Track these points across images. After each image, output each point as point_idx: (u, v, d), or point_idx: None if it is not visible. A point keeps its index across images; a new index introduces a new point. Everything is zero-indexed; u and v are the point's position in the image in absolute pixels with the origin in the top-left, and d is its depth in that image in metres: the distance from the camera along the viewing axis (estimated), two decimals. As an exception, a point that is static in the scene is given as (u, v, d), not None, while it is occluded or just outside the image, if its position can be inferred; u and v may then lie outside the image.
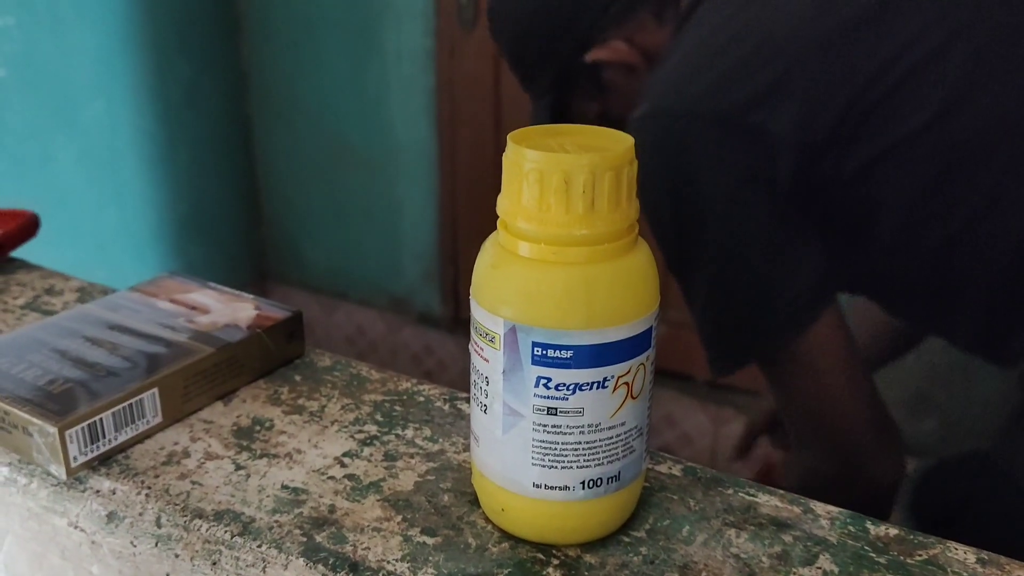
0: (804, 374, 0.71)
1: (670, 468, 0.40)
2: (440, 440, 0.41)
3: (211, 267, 2.04)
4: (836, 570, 0.34)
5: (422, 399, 0.45)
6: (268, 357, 0.46)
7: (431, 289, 1.95)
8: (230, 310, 0.47)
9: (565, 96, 0.79)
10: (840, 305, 0.71)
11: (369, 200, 1.97)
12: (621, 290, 0.32)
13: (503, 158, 0.32)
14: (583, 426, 0.33)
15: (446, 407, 0.44)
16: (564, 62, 0.77)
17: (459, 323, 1.94)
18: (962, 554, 0.35)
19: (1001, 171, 0.64)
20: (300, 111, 1.98)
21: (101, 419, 0.39)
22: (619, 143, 0.33)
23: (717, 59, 0.68)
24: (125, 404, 0.40)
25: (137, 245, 1.87)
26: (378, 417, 0.43)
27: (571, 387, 0.32)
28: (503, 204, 0.32)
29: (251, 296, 0.49)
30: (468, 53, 1.79)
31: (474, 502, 0.37)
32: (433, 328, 1.97)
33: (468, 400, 0.44)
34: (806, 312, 0.69)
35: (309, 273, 2.11)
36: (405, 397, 0.45)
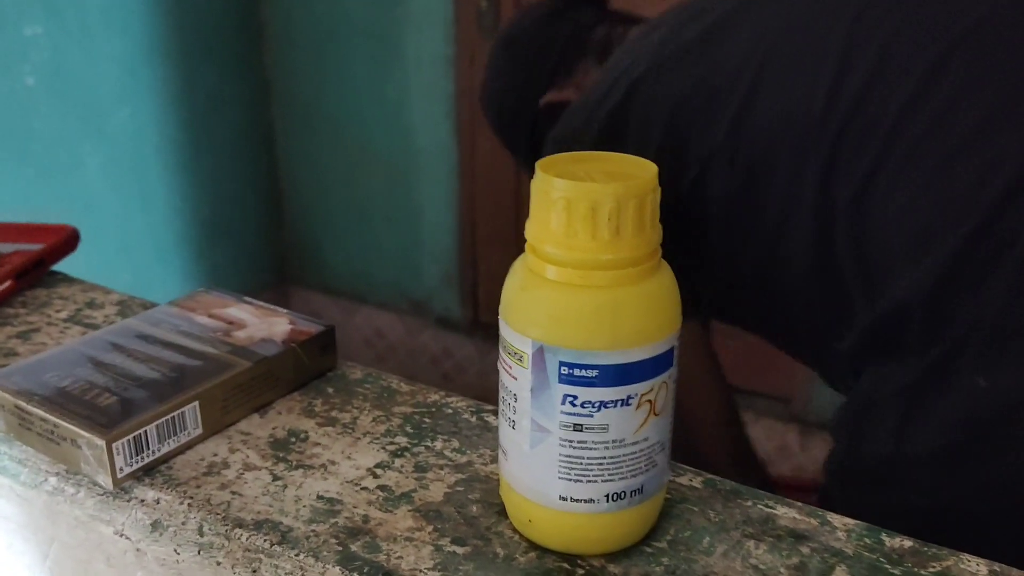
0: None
1: (691, 480, 0.41)
2: (468, 452, 0.43)
3: (234, 270, 2.07)
4: (852, 581, 0.35)
5: (450, 411, 0.46)
6: (302, 370, 0.48)
7: (450, 292, 1.97)
8: (266, 324, 0.49)
9: (537, 144, 0.91)
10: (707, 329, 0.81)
11: (389, 204, 2.00)
12: (645, 312, 0.33)
13: (531, 185, 0.34)
14: (608, 442, 0.34)
15: (473, 419, 0.46)
16: (530, 123, 0.94)
17: (478, 326, 1.96)
18: (975, 566, 0.36)
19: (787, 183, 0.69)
20: (322, 117, 2.00)
21: (146, 431, 0.41)
22: (644, 171, 0.34)
23: (591, 94, 0.80)
24: (168, 417, 0.42)
25: (162, 249, 1.90)
26: (408, 429, 0.45)
27: (596, 405, 0.33)
28: (532, 229, 0.34)
29: (285, 311, 0.51)
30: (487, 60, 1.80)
31: (502, 513, 0.38)
32: (452, 331, 1.99)
33: (494, 412, 0.45)
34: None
35: (330, 276, 2.14)
36: (434, 409, 0.46)
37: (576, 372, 0.33)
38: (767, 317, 0.79)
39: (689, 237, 0.75)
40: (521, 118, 0.95)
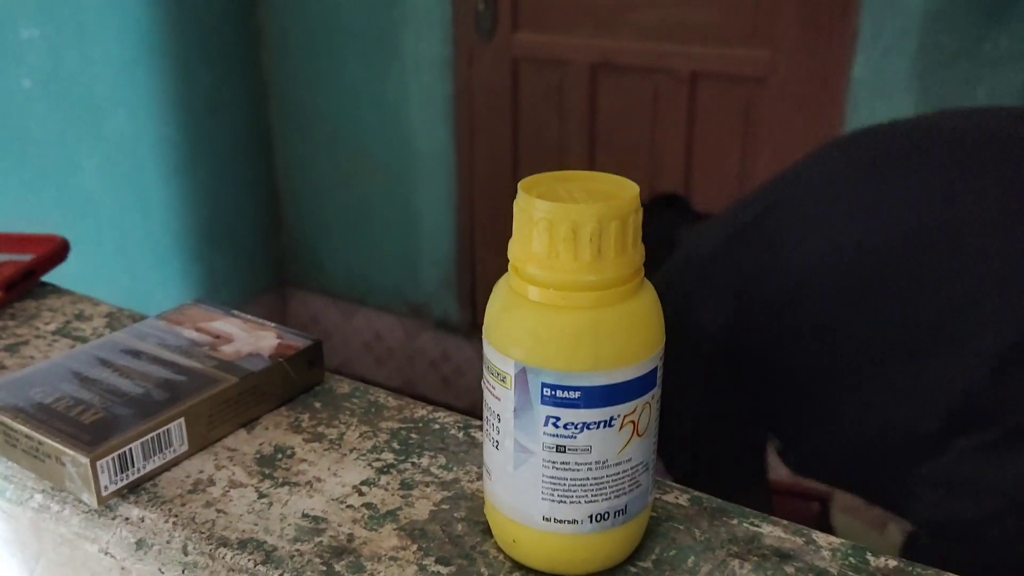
0: None
1: (676, 498, 0.41)
2: (454, 468, 0.43)
3: (232, 274, 2.07)
4: (837, 602, 0.35)
5: (437, 427, 0.46)
6: (289, 385, 0.47)
7: (449, 295, 1.97)
8: (253, 339, 0.49)
9: None
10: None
11: (388, 207, 2.00)
12: (627, 333, 0.33)
13: (514, 205, 0.34)
14: (591, 463, 0.34)
15: (460, 435, 0.45)
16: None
17: (476, 329, 1.96)
18: (960, 586, 0.36)
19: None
20: (320, 119, 2.00)
21: (131, 449, 0.41)
22: (626, 191, 0.34)
23: (664, 273, 0.89)
24: (153, 434, 0.41)
25: (159, 252, 1.90)
26: (395, 445, 0.44)
27: (579, 426, 0.33)
28: (514, 250, 0.34)
29: (273, 325, 0.51)
30: (486, 62, 1.80)
31: (487, 531, 0.38)
32: (451, 334, 1.99)
33: (481, 428, 0.45)
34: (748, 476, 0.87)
35: (328, 279, 2.14)
36: (421, 424, 0.46)
37: (559, 393, 0.33)
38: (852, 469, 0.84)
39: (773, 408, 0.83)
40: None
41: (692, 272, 0.87)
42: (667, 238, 0.99)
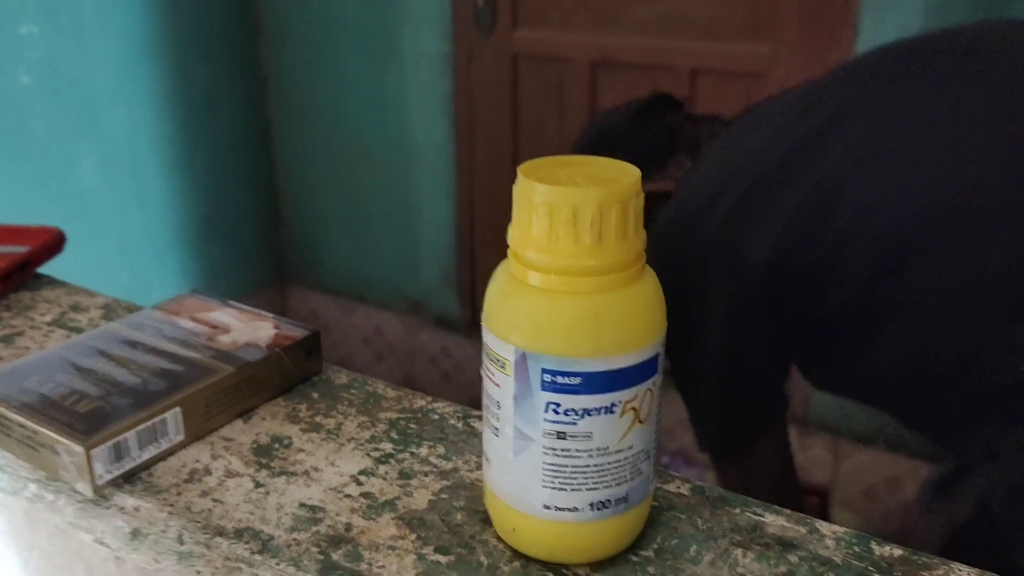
0: (745, 482, 0.83)
1: (679, 487, 0.40)
2: (453, 458, 0.42)
3: (231, 269, 2.06)
4: (840, 591, 0.34)
5: (436, 417, 0.46)
6: (287, 375, 0.47)
7: (448, 292, 1.97)
8: (250, 329, 0.48)
9: None
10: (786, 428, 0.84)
11: (387, 203, 1.99)
12: (628, 318, 0.33)
13: (513, 189, 0.33)
14: (592, 450, 0.34)
15: (459, 425, 0.45)
16: None
17: (476, 326, 1.94)
18: (965, 575, 0.35)
19: (931, 261, 0.70)
20: (319, 115, 2.00)
21: (126, 438, 0.40)
22: (627, 175, 0.33)
23: (701, 189, 0.81)
24: (149, 423, 0.41)
25: (158, 247, 1.90)
26: (393, 435, 0.44)
27: (580, 412, 0.33)
28: (513, 235, 0.33)
29: (270, 315, 0.50)
30: (485, 57, 1.80)
31: (486, 521, 0.38)
32: (450, 331, 1.98)
33: (480, 418, 0.45)
34: (759, 423, 0.83)
35: (327, 275, 2.13)
36: (420, 415, 0.46)
37: (559, 379, 0.33)
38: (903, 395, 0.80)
39: (821, 336, 0.78)
40: None
41: (736, 188, 0.78)
42: (667, 138, 0.95)
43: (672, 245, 0.79)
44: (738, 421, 0.84)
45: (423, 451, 0.43)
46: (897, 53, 0.79)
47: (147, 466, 0.42)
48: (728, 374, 0.80)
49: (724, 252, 0.76)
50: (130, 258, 1.83)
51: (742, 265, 0.75)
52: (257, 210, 2.10)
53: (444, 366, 2.02)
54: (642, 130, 1.00)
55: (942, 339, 0.70)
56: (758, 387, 0.82)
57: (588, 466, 0.34)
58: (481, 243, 1.91)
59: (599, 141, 1.05)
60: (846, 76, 0.80)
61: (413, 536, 0.37)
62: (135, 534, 0.39)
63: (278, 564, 0.36)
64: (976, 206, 0.68)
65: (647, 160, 0.95)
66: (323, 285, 2.15)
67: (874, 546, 0.37)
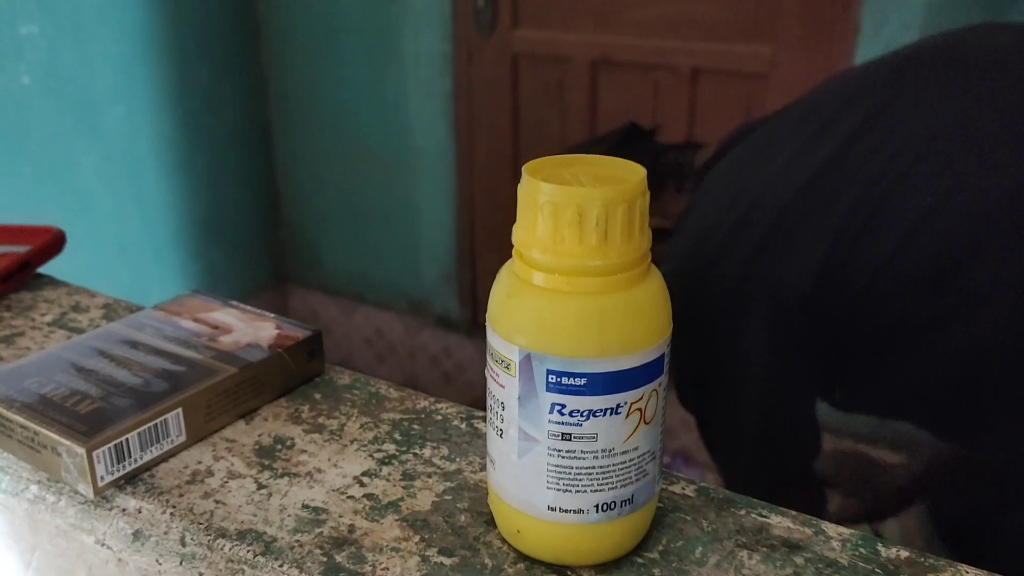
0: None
1: (683, 488, 0.40)
2: (457, 459, 0.42)
3: (231, 270, 2.06)
4: (847, 593, 0.34)
5: (439, 418, 0.45)
6: (289, 376, 0.47)
7: (449, 292, 1.96)
8: (252, 329, 0.48)
9: None
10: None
11: (387, 203, 1.99)
12: (634, 319, 0.32)
13: (518, 189, 0.33)
14: (597, 451, 0.33)
15: (463, 426, 0.45)
16: None
17: (477, 326, 1.95)
18: (972, 577, 0.35)
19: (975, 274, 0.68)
20: (319, 115, 1.99)
21: (127, 439, 0.40)
22: (633, 174, 0.33)
23: (719, 224, 0.75)
24: (150, 424, 0.41)
25: (158, 248, 1.89)
26: (396, 436, 0.44)
27: (585, 413, 0.33)
28: (518, 235, 0.33)
29: (272, 315, 0.50)
30: (485, 57, 1.80)
31: (490, 522, 0.38)
32: (451, 331, 1.98)
33: (484, 419, 0.45)
34: (805, 453, 0.78)
35: (328, 276, 2.13)
36: (423, 415, 0.45)
37: (564, 380, 0.32)
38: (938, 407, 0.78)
39: (863, 352, 0.74)
40: None
41: (761, 221, 0.73)
42: (654, 166, 0.92)
43: (695, 287, 0.75)
44: (780, 461, 0.80)
45: (426, 452, 0.43)
46: (907, 61, 0.76)
47: (149, 467, 0.41)
48: (770, 414, 0.76)
49: (758, 289, 0.72)
50: (129, 258, 1.83)
51: (779, 301, 0.71)
52: (257, 210, 2.10)
53: (445, 366, 2.01)
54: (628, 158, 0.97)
55: (999, 344, 0.68)
56: (798, 423, 0.77)
57: (593, 468, 0.34)
58: (482, 243, 1.90)
59: None
60: (859, 89, 0.76)
61: (417, 538, 0.37)
62: (137, 536, 0.39)
63: (281, 566, 0.36)
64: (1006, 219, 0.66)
65: None
66: (323, 285, 2.14)
67: (880, 548, 0.37)
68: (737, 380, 0.75)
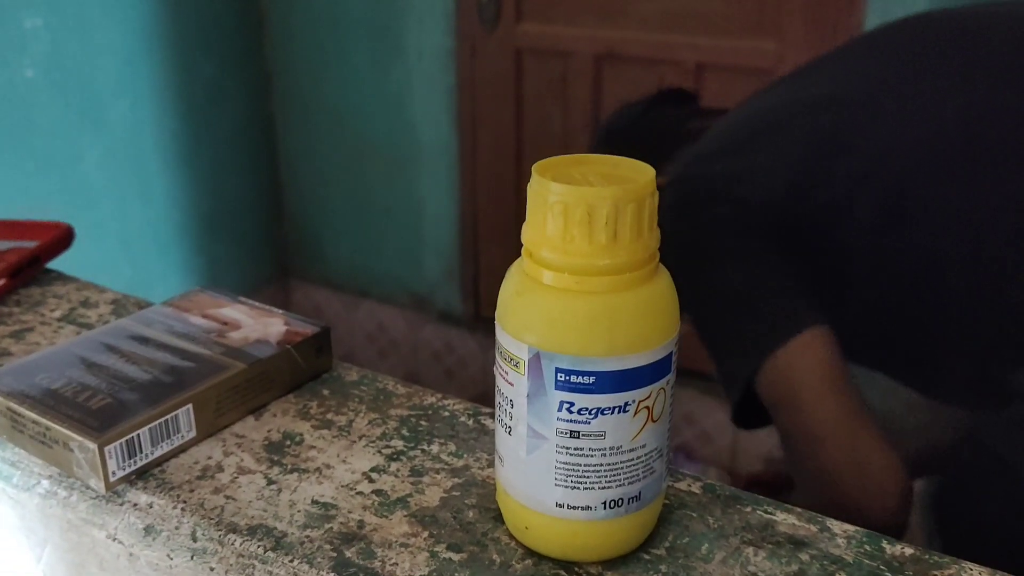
0: (782, 393, 0.76)
1: (689, 485, 0.41)
2: (465, 455, 0.42)
3: (234, 264, 2.06)
4: (852, 590, 0.35)
5: (447, 414, 0.46)
6: (297, 372, 0.47)
7: (452, 287, 1.97)
8: (260, 325, 0.48)
9: None
10: (829, 338, 0.78)
11: (390, 198, 1.99)
12: (642, 318, 0.33)
13: (527, 188, 0.33)
14: (605, 449, 0.34)
15: (470, 422, 0.45)
16: None
17: (479, 321, 1.95)
18: (977, 574, 0.35)
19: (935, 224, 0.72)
20: (322, 110, 2.00)
21: (138, 435, 0.40)
22: (641, 174, 0.33)
23: (723, 140, 0.84)
24: (161, 420, 0.41)
25: (161, 242, 1.90)
26: (404, 432, 0.44)
27: (593, 411, 0.33)
28: (528, 234, 0.33)
29: (280, 311, 0.50)
30: (489, 52, 1.80)
31: (498, 518, 0.38)
32: (454, 326, 1.98)
33: (491, 415, 0.45)
34: (779, 333, 0.76)
35: (331, 270, 2.13)
36: (430, 412, 0.46)
37: (573, 378, 0.33)
38: (917, 358, 0.79)
39: (833, 272, 0.77)
40: None
41: (736, 145, 0.81)
42: (674, 131, 0.95)
43: (680, 189, 0.81)
44: (754, 332, 0.81)
45: (434, 448, 0.43)
46: (904, 26, 0.84)
47: (159, 463, 0.42)
48: (741, 290, 0.80)
49: (728, 201, 0.78)
50: (133, 253, 1.84)
51: (747, 207, 0.77)
52: (260, 205, 2.10)
53: (447, 362, 2.02)
54: (651, 124, 1.01)
55: (961, 280, 0.70)
56: (769, 302, 0.79)
57: (601, 465, 0.34)
58: (485, 238, 1.91)
59: (609, 136, 1.07)
60: (853, 48, 0.85)
61: (425, 533, 0.37)
62: (148, 530, 0.39)
63: (291, 561, 0.36)
64: (983, 143, 0.69)
65: (653, 153, 0.94)
66: (326, 280, 2.15)
67: (885, 545, 0.37)
68: (716, 268, 0.80)
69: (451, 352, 2.01)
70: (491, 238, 1.89)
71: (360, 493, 0.40)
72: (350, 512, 0.39)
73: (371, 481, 0.41)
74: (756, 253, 0.77)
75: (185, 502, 0.39)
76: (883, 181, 0.73)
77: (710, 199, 0.79)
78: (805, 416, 0.73)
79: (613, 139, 1.06)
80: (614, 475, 0.34)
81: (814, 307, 0.76)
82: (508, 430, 0.35)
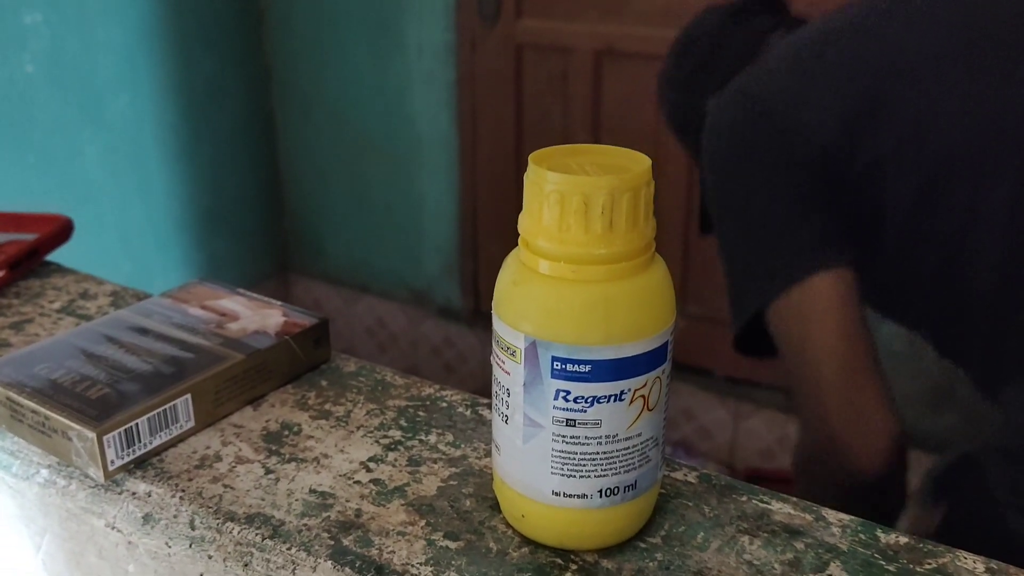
0: (793, 331, 0.75)
1: (686, 475, 0.41)
2: (462, 445, 0.43)
3: (234, 260, 2.06)
4: (846, 577, 0.35)
5: (444, 404, 0.46)
6: (296, 363, 0.47)
7: (451, 282, 1.97)
8: (259, 317, 0.48)
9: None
10: (850, 283, 0.76)
11: (390, 193, 1.99)
12: (638, 307, 0.33)
13: (524, 178, 0.33)
14: (601, 437, 0.34)
15: (468, 412, 0.45)
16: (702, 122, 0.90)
17: (479, 316, 1.96)
18: (971, 563, 0.36)
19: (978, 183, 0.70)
20: (322, 105, 2.00)
21: (137, 424, 0.40)
22: (638, 164, 0.34)
23: (788, 59, 0.82)
24: (160, 409, 0.41)
25: (161, 237, 1.90)
26: (402, 422, 0.44)
27: (589, 400, 0.33)
28: (524, 223, 0.34)
29: (279, 303, 0.50)
30: (489, 47, 1.80)
31: (495, 507, 0.38)
32: (453, 321, 1.99)
33: (489, 406, 0.45)
34: (800, 267, 0.75)
35: (331, 266, 2.13)
36: (428, 402, 0.46)
37: (569, 367, 0.33)
38: (940, 315, 0.78)
39: (864, 227, 0.76)
40: (693, 117, 0.94)
41: (796, 70, 0.78)
42: (756, 42, 0.91)
43: (729, 106, 0.80)
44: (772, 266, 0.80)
45: (432, 438, 0.43)
46: None
47: (158, 452, 0.42)
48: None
49: (783, 132, 0.77)
50: (133, 247, 1.84)
51: (800, 140, 0.76)
52: (260, 200, 2.10)
53: (447, 356, 2.02)
54: (729, 34, 0.97)
55: (994, 246, 0.70)
56: (800, 236, 0.78)
57: (597, 453, 0.34)
58: (484, 233, 1.91)
59: (688, 43, 1.03)
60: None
61: (423, 522, 0.38)
62: (147, 519, 0.39)
63: (289, 549, 0.36)
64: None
65: (730, 68, 0.91)
66: (326, 275, 2.15)
67: (879, 533, 0.37)
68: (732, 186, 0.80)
69: (451, 347, 2.01)
70: (491, 233, 1.89)
71: (358, 482, 0.40)
72: (348, 501, 0.39)
73: (369, 470, 0.41)
74: (797, 185, 0.76)
75: (183, 491, 0.40)
76: (930, 145, 0.72)
77: (766, 121, 0.77)
78: (812, 356, 0.74)
79: (694, 46, 1.01)
80: (610, 463, 0.34)
81: (843, 250, 0.75)
82: (505, 419, 0.35)
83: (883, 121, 0.73)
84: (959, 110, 0.72)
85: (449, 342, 2.01)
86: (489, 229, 1.89)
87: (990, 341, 0.73)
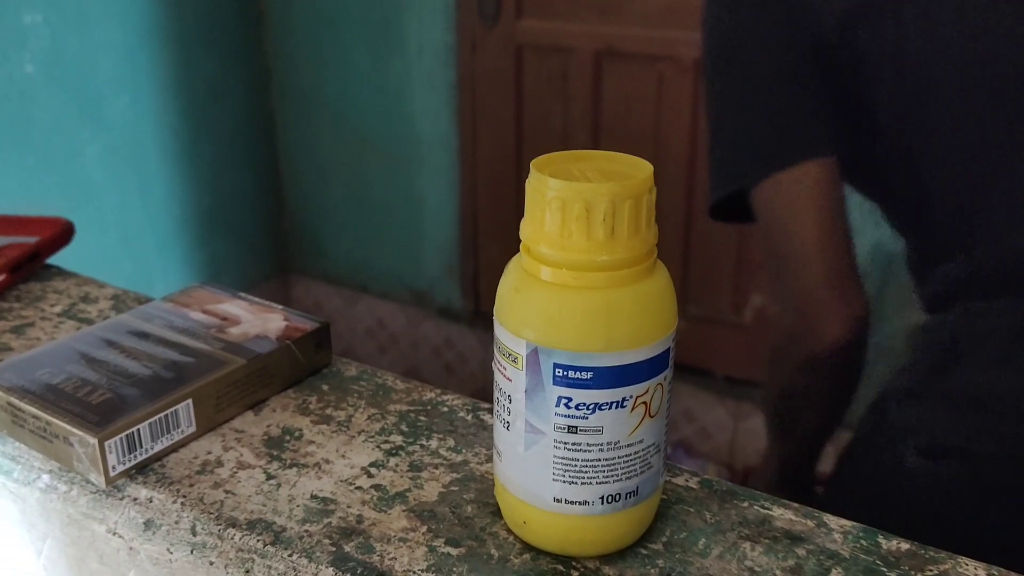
0: (778, 212, 0.78)
1: (687, 481, 0.41)
2: (463, 450, 0.43)
3: (234, 260, 2.07)
4: (848, 584, 0.35)
5: (446, 409, 0.46)
6: (297, 367, 0.47)
7: (452, 283, 1.97)
8: (260, 321, 0.48)
9: None
10: (835, 171, 0.78)
11: (390, 194, 1.99)
12: (640, 314, 0.33)
13: (526, 184, 0.33)
14: (602, 444, 0.34)
15: (469, 417, 0.45)
16: None
17: (479, 317, 1.96)
18: (972, 570, 0.36)
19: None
20: (322, 106, 2.00)
21: (138, 429, 0.40)
22: (640, 170, 0.34)
23: None
24: (161, 415, 0.41)
25: (161, 238, 1.90)
26: (403, 427, 0.44)
27: (591, 407, 0.33)
28: (526, 230, 0.34)
29: (280, 307, 0.50)
30: (489, 48, 1.80)
31: (496, 513, 0.38)
32: (453, 322, 1.99)
33: (490, 411, 0.45)
34: (791, 152, 0.77)
35: (331, 266, 2.13)
36: (429, 407, 0.46)
37: (571, 374, 0.33)
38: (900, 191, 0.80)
39: (856, 111, 0.77)
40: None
41: None
42: None
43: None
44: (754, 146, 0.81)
45: (433, 443, 0.43)
46: None
47: (159, 457, 0.42)
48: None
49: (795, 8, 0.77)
50: (133, 249, 1.84)
51: (810, 23, 0.76)
52: (260, 201, 2.10)
53: (447, 357, 2.02)
54: None
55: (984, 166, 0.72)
56: (792, 121, 0.79)
57: (599, 460, 0.34)
58: (484, 234, 1.91)
59: None
60: None
61: (424, 528, 0.38)
62: (148, 524, 0.39)
63: (291, 555, 0.36)
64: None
65: None
66: (326, 276, 2.15)
67: (881, 540, 0.37)
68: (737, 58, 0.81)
69: (451, 348, 2.01)
70: (491, 234, 1.89)
71: (359, 488, 0.40)
72: (349, 507, 0.39)
73: (370, 476, 0.41)
74: (795, 70, 0.77)
75: (185, 496, 0.40)
76: (911, 56, 0.72)
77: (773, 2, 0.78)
78: (792, 238, 0.77)
79: None
80: (612, 470, 0.34)
81: (832, 137, 0.77)
82: (506, 425, 0.35)
83: (872, 22, 0.74)
84: (946, 20, 0.72)
85: (449, 343, 2.01)
86: (489, 229, 1.89)
87: (934, 218, 0.76)
